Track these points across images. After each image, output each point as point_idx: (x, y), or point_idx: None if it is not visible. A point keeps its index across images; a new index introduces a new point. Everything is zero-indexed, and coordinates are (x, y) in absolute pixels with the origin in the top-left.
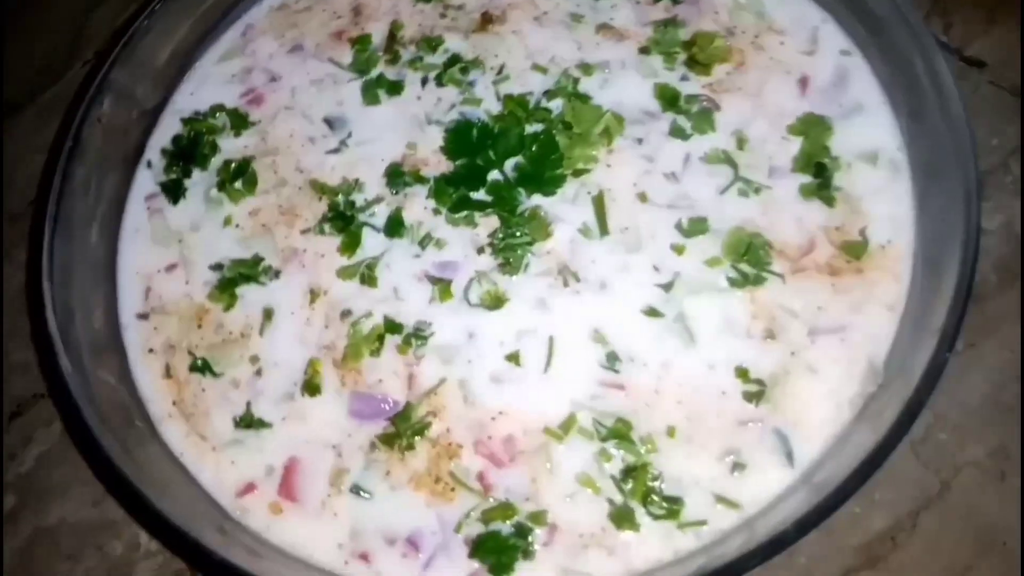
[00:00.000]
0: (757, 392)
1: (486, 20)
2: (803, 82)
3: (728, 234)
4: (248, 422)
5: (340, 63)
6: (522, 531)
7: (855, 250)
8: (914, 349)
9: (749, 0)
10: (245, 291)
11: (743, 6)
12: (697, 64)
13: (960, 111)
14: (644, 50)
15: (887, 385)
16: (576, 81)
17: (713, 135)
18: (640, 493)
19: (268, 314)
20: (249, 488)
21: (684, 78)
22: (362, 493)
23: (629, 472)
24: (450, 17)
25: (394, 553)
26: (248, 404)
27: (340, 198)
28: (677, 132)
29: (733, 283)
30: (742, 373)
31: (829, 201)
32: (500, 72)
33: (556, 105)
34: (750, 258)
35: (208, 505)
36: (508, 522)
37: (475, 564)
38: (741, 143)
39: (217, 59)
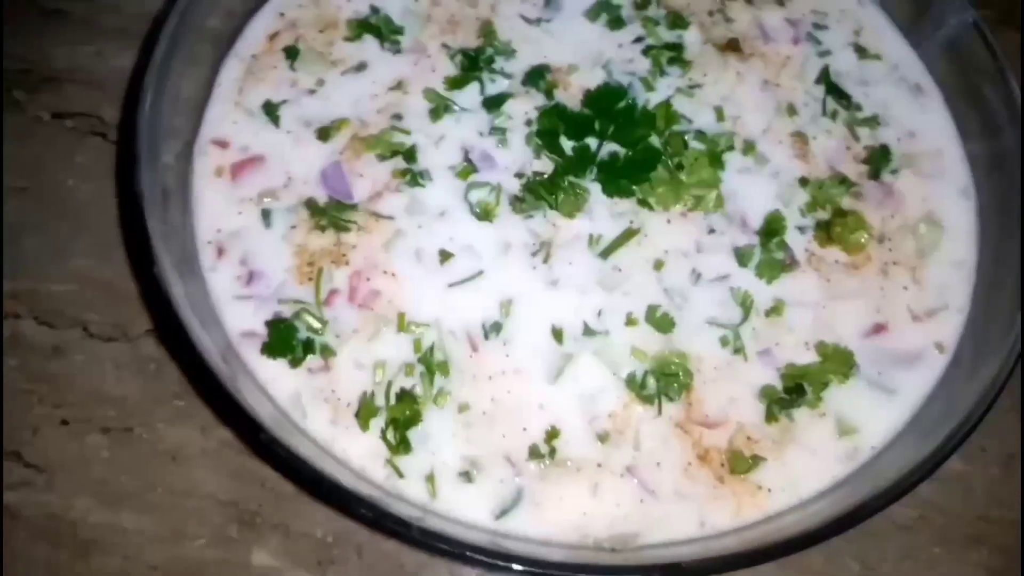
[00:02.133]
0: (543, 453)
1: (730, 46)
2: (879, 328)
3: (672, 351)
4: (271, 112)
5: None
6: (309, 346)
7: (737, 464)
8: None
9: (930, 233)
10: (368, 39)
11: (919, 235)
12: (825, 232)
13: None
14: (803, 181)
15: None
16: (729, 149)
17: (761, 284)
18: (387, 414)
19: (361, 67)
20: (223, 144)
21: (801, 229)
22: (266, 223)
23: (404, 395)
24: (713, 18)
25: (235, 268)
26: (284, 103)
27: (489, 51)
28: (742, 256)
29: (628, 382)
30: (552, 435)
31: (772, 418)
32: (691, 87)
33: (694, 146)
34: (664, 381)
35: (190, 119)
36: (309, 332)
37: (260, 330)
38: (772, 312)
39: None
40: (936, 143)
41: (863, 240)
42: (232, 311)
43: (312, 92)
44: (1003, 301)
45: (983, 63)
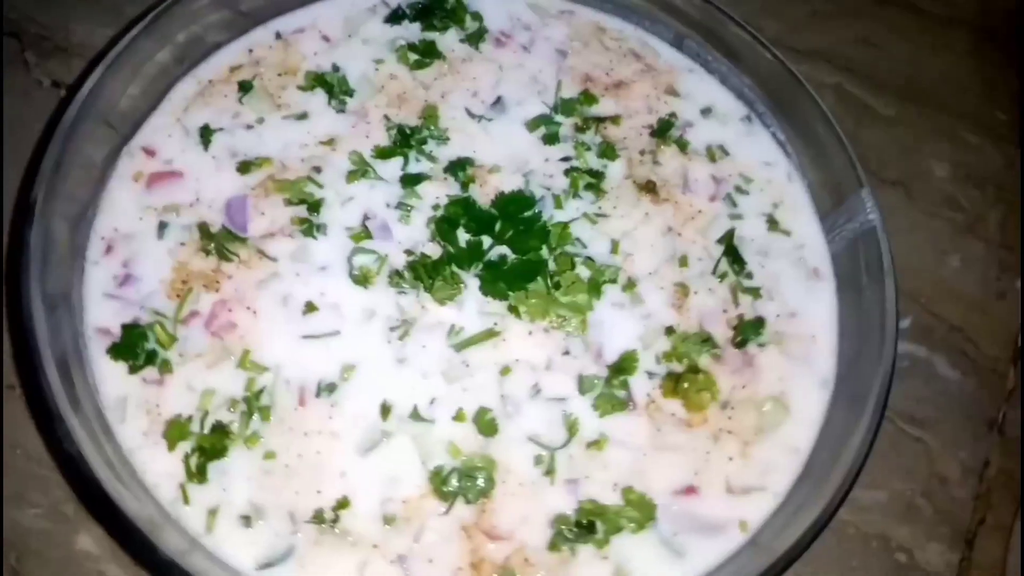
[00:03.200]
0: (326, 519)
1: (648, 187)
2: (690, 490)
3: (484, 456)
4: (206, 136)
5: (556, 94)
6: (152, 357)
7: None
8: None
9: (774, 413)
10: (319, 92)
11: (763, 412)
12: (672, 383)
13: None
14: (669, 330)
15: None
16: (611, 281)
17: (593, 415)
18: (196, 441)
19: (303, 116)
20: (151, 152)
21: (651, 374)
22: (160, 234)
23: (218, 427)
24: (643, 157)
25: (116, 267)
26: (220, 130)
27: (425, 133)
28: (585, 384)
29: (433, 474)
30: (342, 504)
31: (555, 547)
32: (597, 215)
33: (580, 270)
34: (467, 482)
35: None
36: (157, 345)
37: (115, 331)
38: (594, 445)
39: None
40: (813, 329)
41: (706, 401)
42: (97, 306)
43: (249, 127)
44: (822, 495)
45: (874, 267)
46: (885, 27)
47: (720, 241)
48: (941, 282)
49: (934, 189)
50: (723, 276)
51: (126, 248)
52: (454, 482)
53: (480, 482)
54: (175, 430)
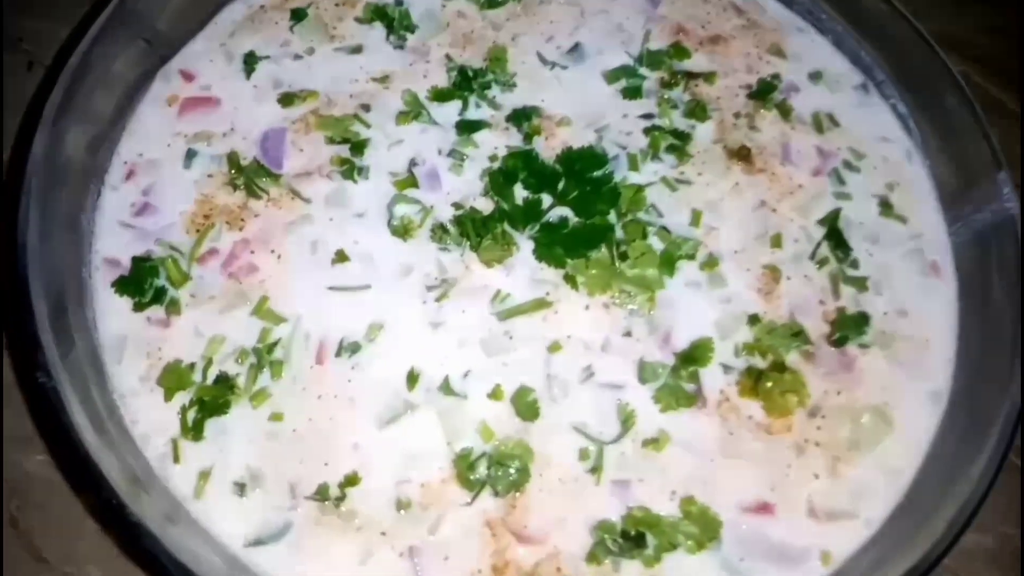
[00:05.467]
0: (331, 496)
1: (740, 154)
2: (764, 508)
3: (521, 443)
4: (250, 63)
5: (643, 45)
6: (160, 295)
7: None
8: None
9: (873, 427)
10: (377, 26)
11: (860, 425)
12: (752, 381)
13: None
14: (753, 319)
15: None
16: (689, 257)
17: (653, 409)
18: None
19: (357, 49)
20: (189, 76)
21: (726, 368)
22: (187, 163)
23: (223, 379)
24: (737, 120)
25: (135, 195)
26: (266, 58)
27: (490, 77)
28: (646, 371)
29: (459, 457)
30: (352, 480)
31: (595, 559)
32: (678, 181)
33: (653, 241)
34: (498, 471)
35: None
36: (167, 282)
37: (125, 263)
38: (652, 443)
39: None
40: (927, 332)
41: (792, 406)
42: (110, 235)
43: (298, 57)
44: (928, 533)
45: (1009, 264)
46: (1021, 17)
47: (822, 222)
48: None
49: None
50: (823, 262)
51: (149, 175)
52: (482, 469)
53: (513, 472)
54: (174, 377)
